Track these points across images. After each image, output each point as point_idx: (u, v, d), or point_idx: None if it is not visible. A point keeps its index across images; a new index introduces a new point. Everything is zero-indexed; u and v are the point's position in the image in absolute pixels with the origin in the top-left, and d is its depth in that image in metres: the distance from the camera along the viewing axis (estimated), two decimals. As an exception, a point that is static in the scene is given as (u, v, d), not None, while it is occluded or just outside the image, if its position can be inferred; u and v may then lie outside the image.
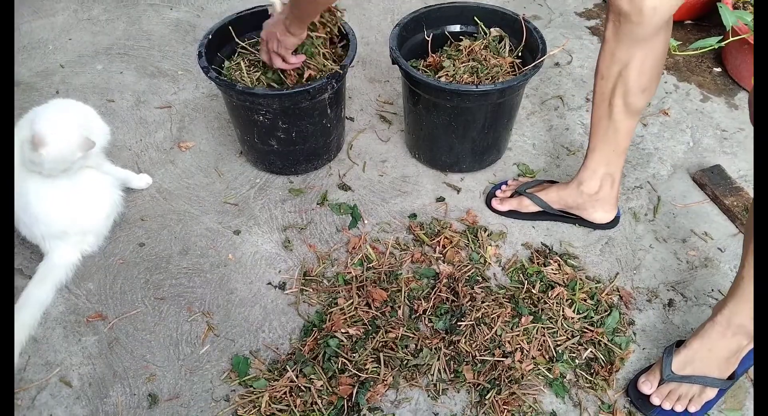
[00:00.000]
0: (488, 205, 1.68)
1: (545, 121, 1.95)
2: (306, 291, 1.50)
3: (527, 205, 1.62)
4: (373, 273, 1.51)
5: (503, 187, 1.71)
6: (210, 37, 1.63)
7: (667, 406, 1.27)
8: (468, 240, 1.59)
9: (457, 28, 1.75)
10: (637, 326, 1.44)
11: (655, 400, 1.28)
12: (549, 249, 1.59)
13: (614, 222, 1.63)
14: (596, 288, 1.49)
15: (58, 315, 1.47)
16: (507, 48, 1.69)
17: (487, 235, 1.61)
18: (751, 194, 1.70)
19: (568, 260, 1.56)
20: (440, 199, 1.72)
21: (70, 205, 1.50)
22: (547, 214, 1.63)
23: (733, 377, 1.28)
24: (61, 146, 1.39)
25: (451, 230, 1.61)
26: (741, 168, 1.79)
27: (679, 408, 1.27)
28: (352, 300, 1.45)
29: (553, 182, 1.68)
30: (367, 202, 1.71)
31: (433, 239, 1.59)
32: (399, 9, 2.38)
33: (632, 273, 1.55)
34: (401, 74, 1.62)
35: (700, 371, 1.26)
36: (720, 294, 1.50)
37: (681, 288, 1.52)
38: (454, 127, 1.63)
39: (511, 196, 1.67)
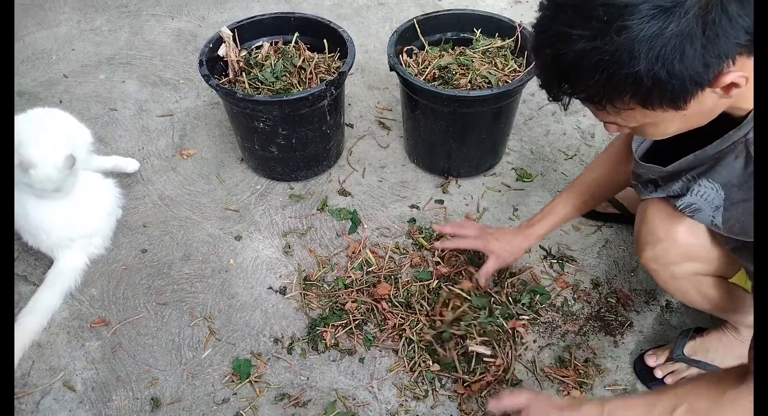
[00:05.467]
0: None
1: (543, 126, 1.97)
2: (307, 295, 1.51)
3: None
4: (373, 277, 1.53)
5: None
6: (211, 45, 1.66)
7: (669, 381, 1.32)
8: (467, 244, 1.61)
9: (449, 35, 1.78)
10: (635, 328, 1.46)
11: (659, 373, 1.33)
12: (547, 252, 1.60)
13: None
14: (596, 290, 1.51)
15: (62, 321, 1.48)
16: (503, 54, 1.72)
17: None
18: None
19: (566, 263, 1.57)
20: (439, 203, 1.74)
21: (69, 212, 1.52)
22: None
23: None
24: (48, 167, 1.41)
25: (450, 234, 1.63)
26: (737, 171, 1.80)
27: (670, 381, 1.32)
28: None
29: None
30: (367, 207, 1.73)
31: (432, 243, 1.61)
32: (397, 17, 2.41)
33: (629, 276, 1.56)
34: (399, 81, 1.64)
35: (711, 360, 1.30)
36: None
37: (678, 290, 1.54)
38: (452, 133, 1.65)
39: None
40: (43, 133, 1.48)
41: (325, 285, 1.54)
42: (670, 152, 0.95)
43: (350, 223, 1.68)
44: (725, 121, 0.85)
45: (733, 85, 0.73)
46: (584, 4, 0.68)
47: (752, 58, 0.72)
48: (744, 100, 0.81)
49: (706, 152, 0.89)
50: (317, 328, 1.44)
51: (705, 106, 0.77)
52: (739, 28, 0.68)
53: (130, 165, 1.78)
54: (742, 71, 0.72)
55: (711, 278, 1.14)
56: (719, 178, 0.89)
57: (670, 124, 0.81)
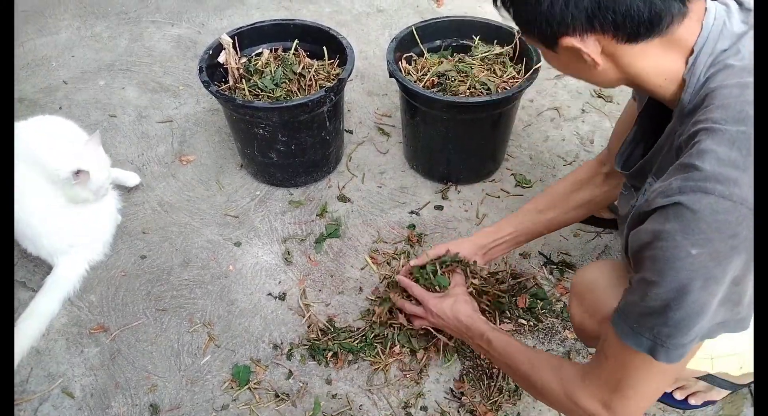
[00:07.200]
0: None
1: (542, 132, 1.97)
2: (309, 305, 1.51)
3: None
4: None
5: None
6: (210, 52, 1.67)
7: (678, 396, 1.30)
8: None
9: (453, 42, 1.79)
10: (635, 333, 1.45)
11: None
12: (547, 258, 1.61)
13: None
14: None
15: (61, 327, 1.48)
16: (502, 60, 1.73)
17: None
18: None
19: (566, 269, 1.57)
20: (438, 208, 1.74)
21: (71, 218, 1.52)
22: None
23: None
24: (101, 166, 1.52)
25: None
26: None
27: (678, 396, 1.30)
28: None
29: None
30: (366, 213, 1.73)
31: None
32: (396, 24, 2.42)
33: (629, 282, 1.56)
34: (399, 87, 1.65)
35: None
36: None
37: (678, 295, 1.54)
38: (451, 139, 1.66)
39: None
40: (72, 143, 1.54)
41: (324, 291, 1.53)
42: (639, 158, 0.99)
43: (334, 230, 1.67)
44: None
45: (580, 52, 0.81)
46: None
47: (625, 46, 0.80)
48: (652, 83, 0.85)
49: (655, 150, 0.92)
50: (317, 343, 1.42)
51: (578, 62, 0.85)
52: (572, 5, 0.76)
53: (131, 179, 1.77)
54: (589, 48, 0.80)
55: None
56: (661, 174, 0.91)
57: (566, 68, 0.92)
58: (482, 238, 1.39)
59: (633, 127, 1.01)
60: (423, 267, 1.36)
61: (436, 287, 1.31)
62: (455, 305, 1.22)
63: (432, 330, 1.34)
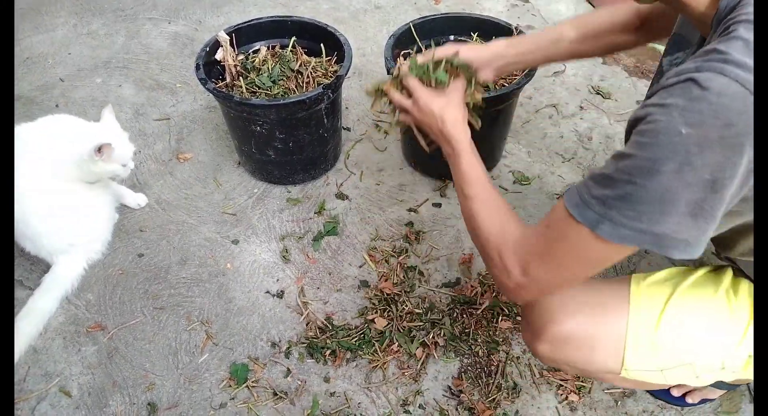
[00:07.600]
0: None
1: (540, 129, 1.97)
2: (307, 303, 1.51)
3: None
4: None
5: None
6: (208, 49, 1.66)
7: (675, 393, 1.30)
8: (464, 248, 1.61)
9: (450, 38, 1.78)
10: (633, 331, 1.45)
11: (675, 391, 1.30)
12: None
13: None
14: None
15: (58, 326, 1.48)
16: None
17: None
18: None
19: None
20: (437, 206, 1.73)
21: (71, 217, 1.51)
22: None
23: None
24: (122, 137, 1.55)
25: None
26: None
27: (676, 393, 1.30)
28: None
29: None
30: (365, 211, 1.73)
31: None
32: (394, 20, 2.42)
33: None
34: (396, 84, 1.64)
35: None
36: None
37: (676, 292, 1.53)
38: (450, 136, 1.65)
39: None
40: (90, 125, 1.54)
41: (323, 289, 1.53)
42: None
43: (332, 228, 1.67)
44: None
45: None
46: None
47: None
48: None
49: None
50: (315, 341, 1.42)
51: None
52: None
53: (129, 198, 1.72)
54: None
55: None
56: None
57: None
58: (503, 48, 1.24)
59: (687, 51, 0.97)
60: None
61: (432, 81, 1.14)
62: (446, 107, 1.10)
63: (414, 128, 1.20)
